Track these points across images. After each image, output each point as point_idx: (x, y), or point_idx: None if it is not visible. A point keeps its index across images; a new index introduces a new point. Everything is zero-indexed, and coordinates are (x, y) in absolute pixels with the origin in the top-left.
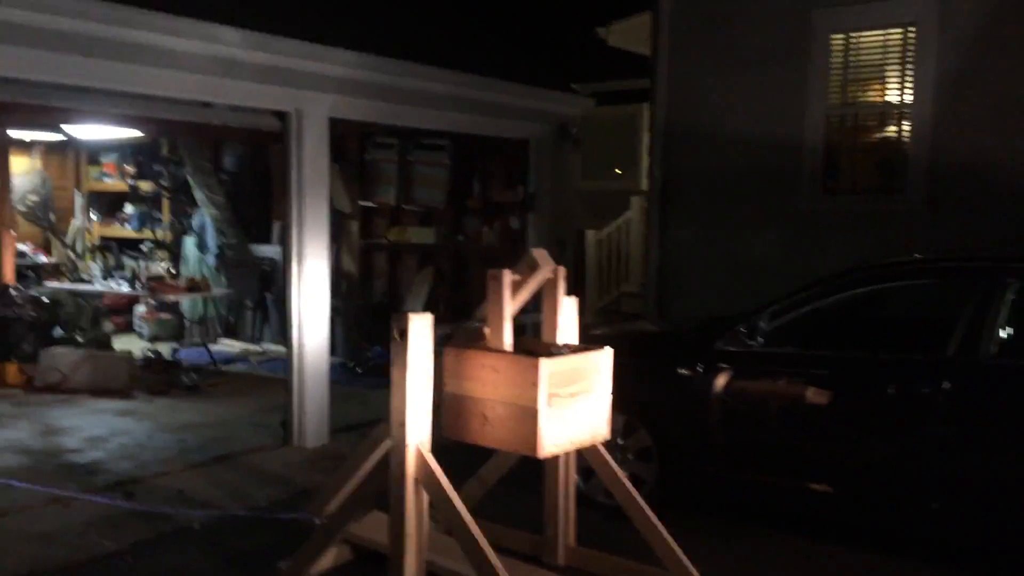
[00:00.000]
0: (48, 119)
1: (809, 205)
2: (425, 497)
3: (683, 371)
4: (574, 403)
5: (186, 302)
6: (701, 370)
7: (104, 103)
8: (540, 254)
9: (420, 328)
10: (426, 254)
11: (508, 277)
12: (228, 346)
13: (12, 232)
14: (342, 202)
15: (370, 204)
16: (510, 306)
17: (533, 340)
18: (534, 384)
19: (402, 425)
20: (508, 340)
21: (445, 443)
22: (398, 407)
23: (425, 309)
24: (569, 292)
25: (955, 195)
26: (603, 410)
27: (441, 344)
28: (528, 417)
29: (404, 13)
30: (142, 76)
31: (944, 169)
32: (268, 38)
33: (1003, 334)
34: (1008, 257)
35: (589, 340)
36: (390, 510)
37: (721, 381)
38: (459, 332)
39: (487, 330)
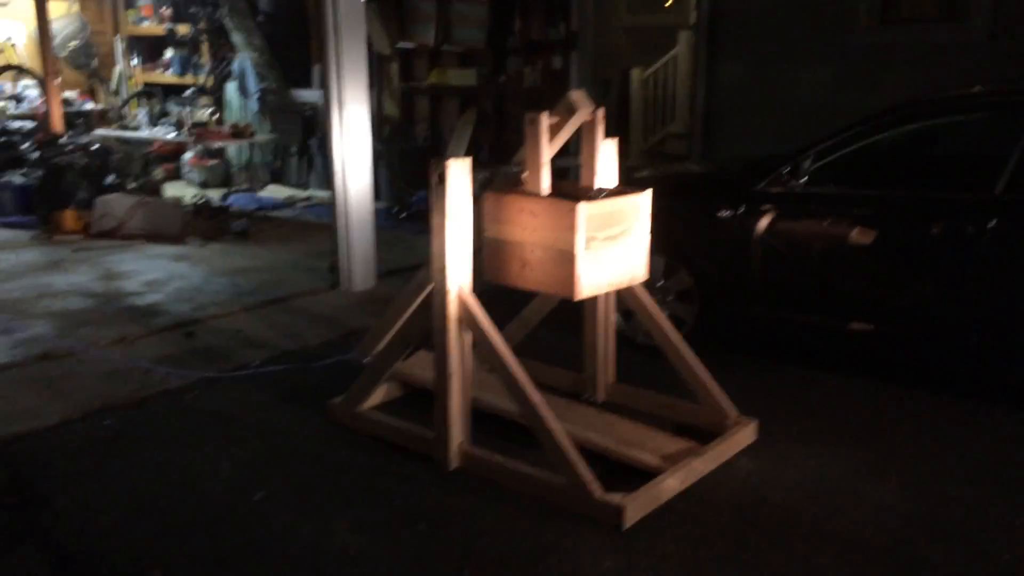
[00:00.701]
0: None
1: (864, 38)
2: (467, 337)
3: (725, 212)
4: (612, 246)
5: (232, 148)
6: (743, 211)
7: None
8: (578, 95)
9: (458, 173)
10: (467, 96)
11: (545, 120)
12: (275, 192)
13: (57, 80)
14: (381, 44)
15: (409, 45)
16: (547, 150)
17: (572, 184)
18: (571, 228)
19: (442, 269)
20: (546, 184)
21: (489, 286)
22: (438, 251)
23: (467, 152)
24: (612, 134)
25: (1020, 25)
26: (641, 252)
27: (482, 188)
28: (565, 260)
29: None
30: None
31: None
32: None
33: None
34: None
35: (632, 182)
36: (434, 350)
37: (763, 222)
38: (498, 177)
39: (525, 175)
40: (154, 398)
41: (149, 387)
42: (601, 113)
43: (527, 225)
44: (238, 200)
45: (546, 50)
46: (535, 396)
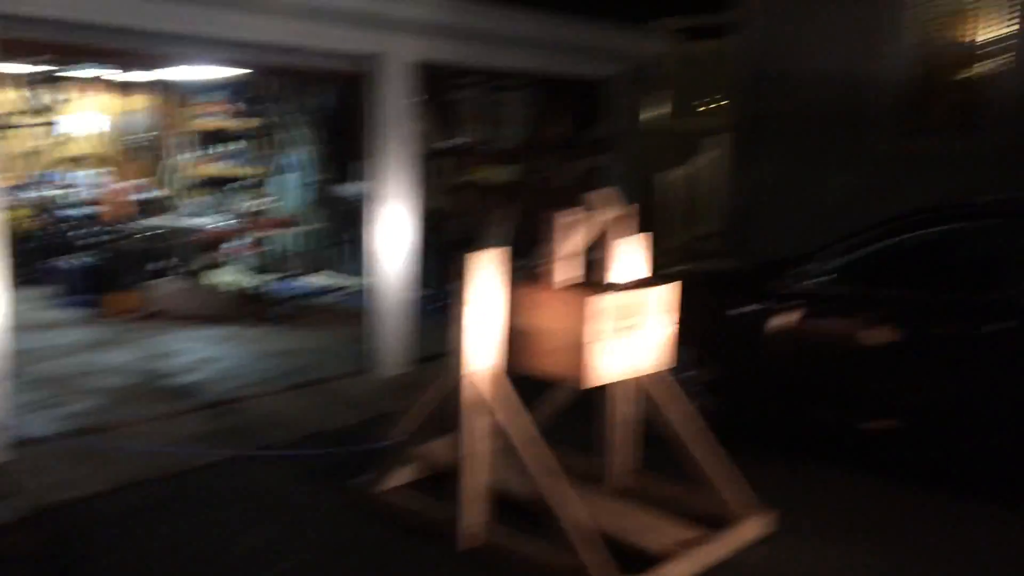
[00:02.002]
0: (145, 63)
1: (888, 146)
2: (489, 420)
3: (748, 308)
4: (626, 336)
5: (283, 237)
6: (758, 307)
7: (197, 48)
8: (599, 195)
9: (485, 263)
10: (509, 192)
11: (563, 218)
12: (322, 279)
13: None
14: (432, 141)
15: (458, 143)
16: (565, 245)
17: (599, 276)
18: (582, 318)
19: (467, 354)
20: (561, 276)
21: (519, 374)
22: (464, 337)
23: (507, 245)
24: (649, 230)
25: None
26: (658, 343)
27: (517, 280)
28: (578, 349)
29: None
30: (230, 23)
31: None
32: None
33: None
34: None
35: (663, 277)
36: (458, 432)
37: (774, 319)
38: (526, 269)
39: (549, 267)
40: (185, 474)
41: (180, 463)
42: (630, 210)
43: (546, 315)
44: (285, 286)
45: (584, 151)
46: (554, 478)
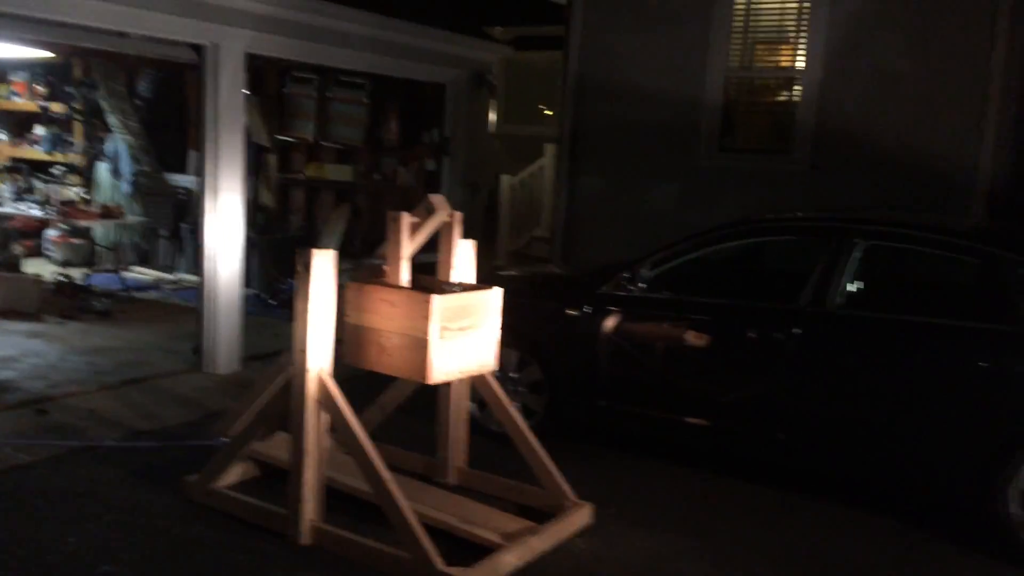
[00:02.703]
0: None
1: (706, 162)
2: (324, 418)
3: (571, 312)
4: (463, 336)
5: (99, 228)
6: (587, 311)
7: (17, 28)
8: (437, 199)
9: (322, 263)
10: (343, 191)
11: (406, 219)
12: (141, 274)
13: None
14: (260, 135)
15: (289, 139)
16: (408, 246)
17: (430, 278)
18: (426, 317)
19: (303, 352)
20: (405, 277)
21: (350, 372)
22: (300, 335)
23: (341, 245)
24: (481, 234)
25: (837, 158)
26: (490, 344)
27: (348, 279)
28: (420, 347)
29: None
30: (57, 3)
31: (828, 133)
32: None
33: (849, 288)
34: (857, 218)
35: (494, 280)
36: (291, 430)
37: (603, 322)
38: (362, 268)
39: (386, 267)
40: (2, 474)
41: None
42: (459, 215)
43: (385, 313)
44: (102, 280)
45: (420, 153)
46: (384, 474)
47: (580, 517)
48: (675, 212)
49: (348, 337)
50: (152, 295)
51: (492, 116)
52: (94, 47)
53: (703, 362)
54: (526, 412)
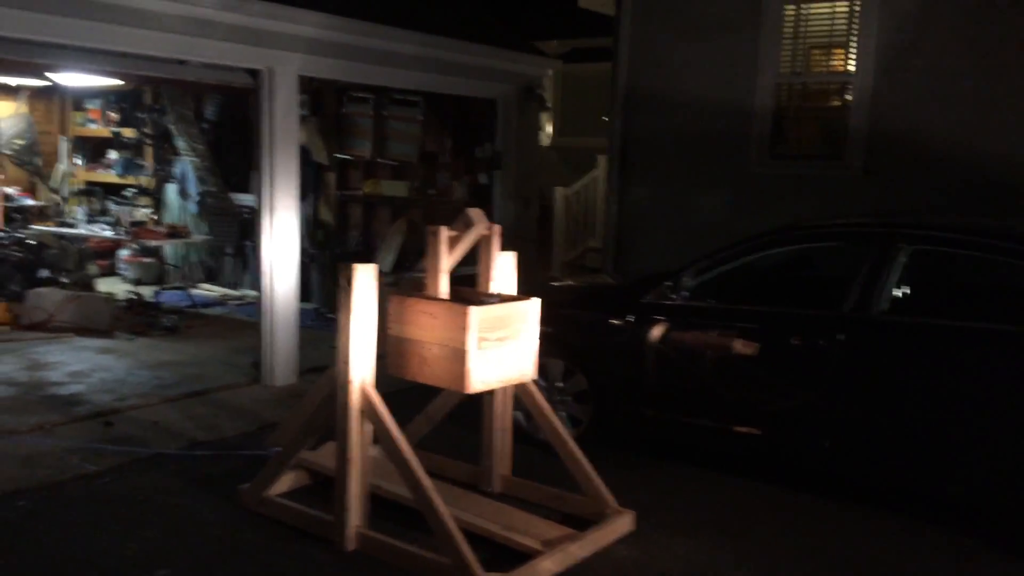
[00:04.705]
0: (32, 71)
1: (757, 169)
2: (367, 427)
3: (614, 321)
4: (501, 346)
5: (168, 247)
6: (631, 320)
7: (84, 59)
8: (475, 212)
9: (364, 277)
10: (399, 206)
11: (444, 233)
12: (208, 290)
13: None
14: (320, 154)
15: (347, 157)
16: (446, 259)
17: (470, 290)
18: (464, 328)
19: (346, 363)
20: (444, 289)
21: (400, 384)
22: (343, 347)
23: (397, 260)
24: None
25: (890, 162)
26: (529, 353)
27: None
28: (459, 357)
29: None
30: (119, 35)
31: (881, 138)
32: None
33: (894, 293)
34: (900, 222)
35: (544, 291)
36: (336, 439)
37: (646, 331)
38: (404, 281)
39: (427, 280)
40: (68, 482)
41: (64, 472)
42: (497, 228)
43: (426, 325)
44: (171, 297)
45: (473, 167)
46: (425, 481)
47: (622, 525)
48: (727, 220)
49: (391, 348)
50: (217, 311)
51: (548, 128)
52: (155, 75)
53: (745, 370)
54: (572, 421)
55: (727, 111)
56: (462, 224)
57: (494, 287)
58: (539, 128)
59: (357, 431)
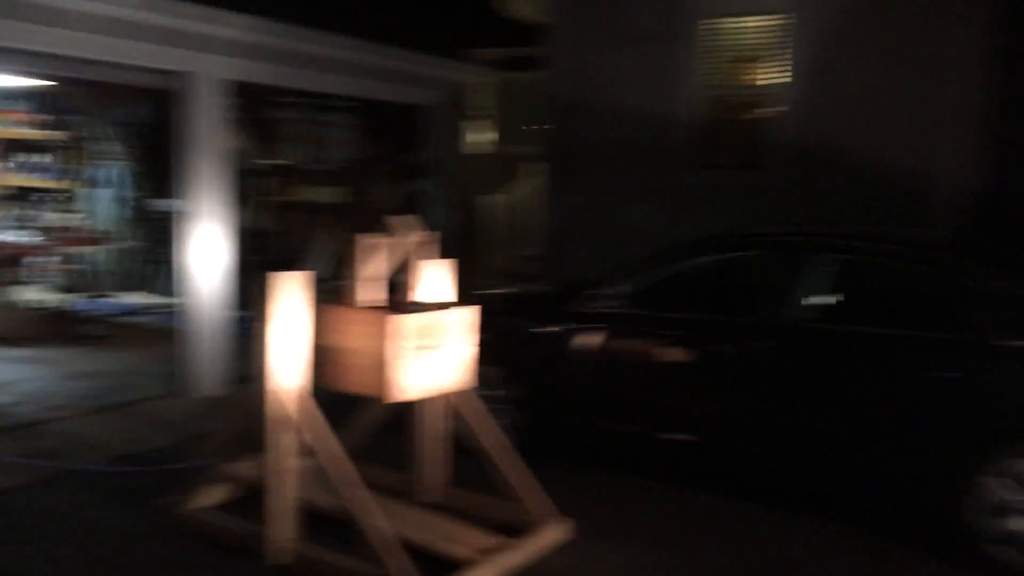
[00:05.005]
0: None
1: (683, 179)
2: (295, 437)
3: (541, 329)
4: (428, 355)
5: (94, 254)
6: (556, 328)
7: (8, 60)
8: (401, 220)
9: (290, 285)
10: (334, 213)
11: (364, 240)
12: (138, 298)
13: None
14: (252, 160)
15: (280, 163)
16: (369, 266)
17: (399, 298)
18: (385, 337)
19: (273, 372)
20: (364, 297)
21: (330, 393)
22: (270, 355)
23: (328, 265)
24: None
25: (814, 174)
26: (460, 362)
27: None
28: (380, 366)
29: None
30: (37, 34)
31: (805, 149)
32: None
33: (811, 300)
34: (816, 232)
35: (465, 299)
36: (265, 449)
37: (570, 339)
38: (331, 290)
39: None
40: None
41: None
42: (426, 236)
43: (350, 333)
44: (97, 305)
45: (408, 174)
46: (357, 491)
47: (558, 532)
48: (657, 229)
49: (318, 357)
50: (145, 319)
51: (472, 136)
52: (73, 76)
53: (660, 375)
54: (514, 430)
55: (656, 120)
56: (389, 231)
57: (421, 295)
58: (469, 135)
59: (284, 442)
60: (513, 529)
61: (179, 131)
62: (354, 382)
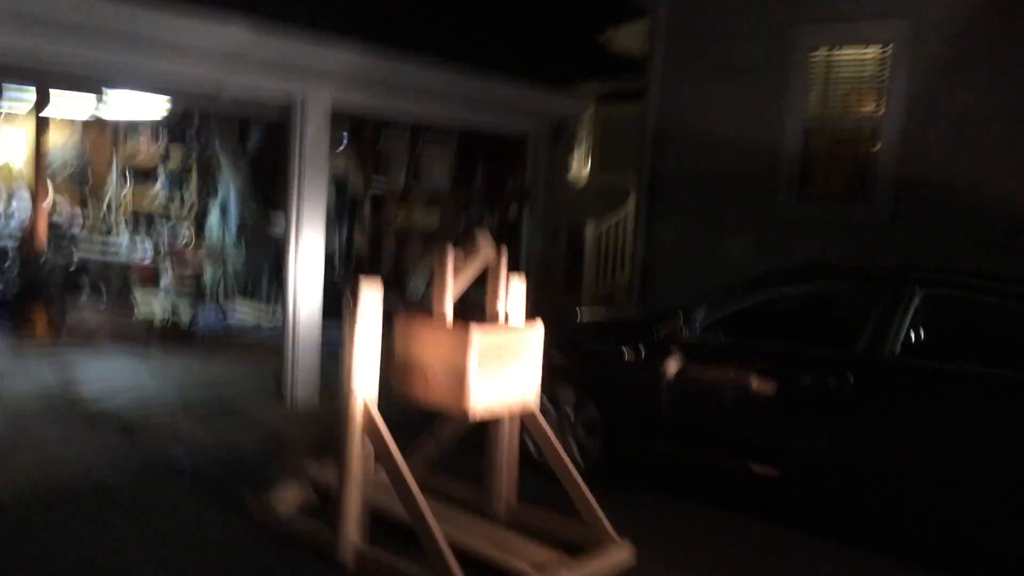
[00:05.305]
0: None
1: (784, 210)
2: (368, 444)
3: (626, 354)
4: (503, 371)
5: (207, 270)
6: (642, 354)
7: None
8: (483, 237)
9: (369, 294)
10: (430, 237)
11: (450, 257)
12: (243, 311)
13: (47, 200)
14: (356, 185)
15: (383, 189)
16: (451, 282)
17: (477, 314)
18: (465, 351)
19: (350, 381)
20: (448, 312)
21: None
22: (348, 365)
23: (427, 287)
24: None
25: (917, 207)
26: (531, 379)
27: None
28: (460, 380)
29: (407, 5)
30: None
31: (909, 182)
32: (270, 34)
33: (906, 336)
34: (916, 266)
35: (565, 323)
36: (337, 455)
37: (657, 366)
38: (411, 303)
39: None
40: (88, 491)
41: (84, 480)
42: (504, 254)
43: (430, 347)
44: (207, 317)
45: (504, 200)
46: (419, 500)
47: (618, 555)
48: (752, 260)
49: (397, 369)
50: (251, 331)
51: (576, 167)
52: (193, 106)
53: (753, 407)
54: (583, 452)
55: (756, 152)
56: (470, 248)
57: (501, 312)
58: (568, 166)
59: (356, 447)
60: (575, 548)
61: (288, 155)
62: (431, 395)
